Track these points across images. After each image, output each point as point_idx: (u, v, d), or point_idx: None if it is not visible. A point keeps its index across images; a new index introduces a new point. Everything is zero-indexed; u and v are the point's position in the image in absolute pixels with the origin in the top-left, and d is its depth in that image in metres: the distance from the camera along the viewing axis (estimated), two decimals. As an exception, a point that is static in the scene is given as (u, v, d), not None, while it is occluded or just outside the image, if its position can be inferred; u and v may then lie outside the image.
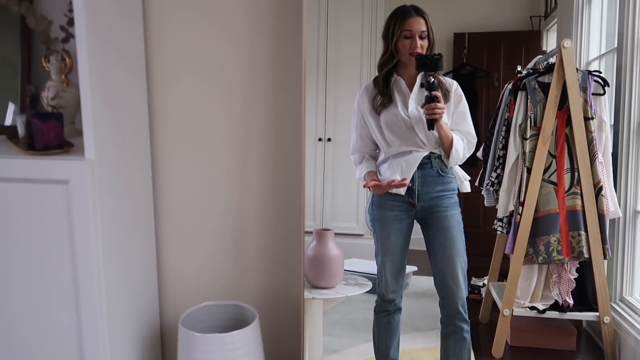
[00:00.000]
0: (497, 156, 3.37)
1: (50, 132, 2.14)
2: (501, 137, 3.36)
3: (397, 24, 2.46)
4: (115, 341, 2.21)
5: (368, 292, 2.92)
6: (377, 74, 2.59)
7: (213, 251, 2.55)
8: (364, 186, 2.49)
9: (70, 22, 2.25)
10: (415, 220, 2.55)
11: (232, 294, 2.53)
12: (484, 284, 4.17)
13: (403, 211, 2.51)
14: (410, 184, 2.46)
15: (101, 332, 2.13)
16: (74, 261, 2.08)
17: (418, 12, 2.46)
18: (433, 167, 2.48)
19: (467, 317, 2.50)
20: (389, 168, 2.51)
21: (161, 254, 2.57)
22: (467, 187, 2.58)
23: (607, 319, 3.15)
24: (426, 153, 2.48)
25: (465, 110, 2.55)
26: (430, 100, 2.36)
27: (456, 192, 2.54)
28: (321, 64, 5.57)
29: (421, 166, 2.47)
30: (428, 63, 2.38)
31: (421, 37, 2.44)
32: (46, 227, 2.07)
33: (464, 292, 2.48)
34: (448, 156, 2.47)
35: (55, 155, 2.12)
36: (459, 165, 2.58)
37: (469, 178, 2.61)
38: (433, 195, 2.48)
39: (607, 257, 3.17)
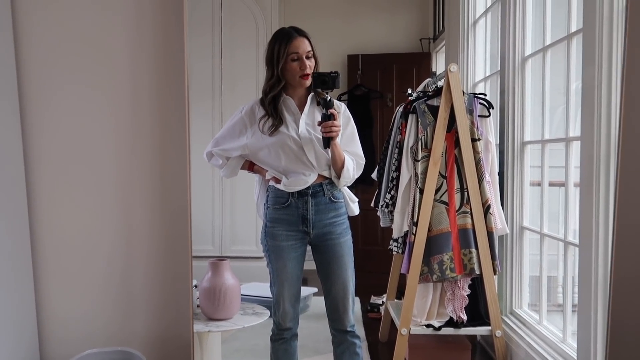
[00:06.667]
0: (390, 178, 3.43)
1: None
2: (394, 159, 3.43)
3: (281, 48, 2.40)
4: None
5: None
6: None
7: (99, 295, 2.43)
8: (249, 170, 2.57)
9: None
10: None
11: (120, 339, 2.41)
12: (382, 302, 4.22)
13: (298, 240, 2.50)
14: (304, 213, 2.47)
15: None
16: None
17: (300, 32, 2.42)
18: (325, 194, 2.48)
19: (357, 333, 2.58)
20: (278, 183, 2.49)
21: (42, 301, 2.41)
22: (355, 210, 2.62)
23: (498, 333, 3.25)
24: (314, 178, 2.46)
25: (354, 132, 2.56)
26: (327, 118, 2.35)
27: (346, 216, 2.57)
28: (216, 87, 5.52)
29: (314, 195, 2.47)
30: (326, 81, 2.37)
31: (307, 57, 2.41)
32: None
33: (352, 312, 2.56)
34: (339, 176, 2.47)
35: None
36: (349, 186, 2.59)
37: (357, 200, 2.64)
38: (326, 222, 2.49)
39: (497, 273, 3.28)
